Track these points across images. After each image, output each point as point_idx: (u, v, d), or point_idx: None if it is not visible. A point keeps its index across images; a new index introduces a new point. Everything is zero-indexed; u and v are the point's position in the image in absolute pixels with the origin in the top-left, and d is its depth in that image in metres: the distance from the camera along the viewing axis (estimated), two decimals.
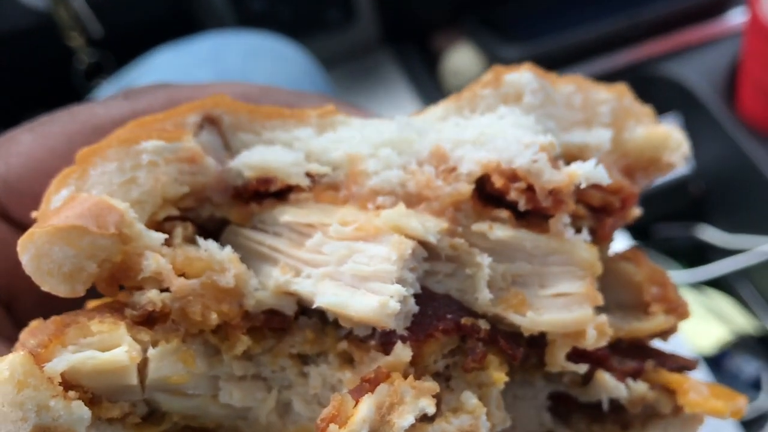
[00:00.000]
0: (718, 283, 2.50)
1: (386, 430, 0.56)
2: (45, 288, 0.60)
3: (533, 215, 0.65)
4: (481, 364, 0.63)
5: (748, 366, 2.15)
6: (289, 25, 2.57)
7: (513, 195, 0.63)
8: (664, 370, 0.72)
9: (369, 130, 0.68)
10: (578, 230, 0.67)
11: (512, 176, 0.63)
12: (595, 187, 0.66)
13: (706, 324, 2.30)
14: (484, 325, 0.64)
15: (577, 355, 0.66)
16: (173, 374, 0.61)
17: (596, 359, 0.68)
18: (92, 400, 0.58)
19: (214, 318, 0.61)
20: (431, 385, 0.59)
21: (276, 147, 0.67)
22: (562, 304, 0.64)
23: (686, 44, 2.70)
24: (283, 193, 0.67)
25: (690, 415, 0.71)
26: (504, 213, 0.65)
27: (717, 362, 2.16)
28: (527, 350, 0.67)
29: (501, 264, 0.65)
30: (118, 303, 0.63)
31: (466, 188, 0.64)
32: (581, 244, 0.65)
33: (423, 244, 0.63)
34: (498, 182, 0.63)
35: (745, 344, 2.18)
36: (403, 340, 0.61)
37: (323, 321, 0.66)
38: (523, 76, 0.69)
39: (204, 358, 0.63)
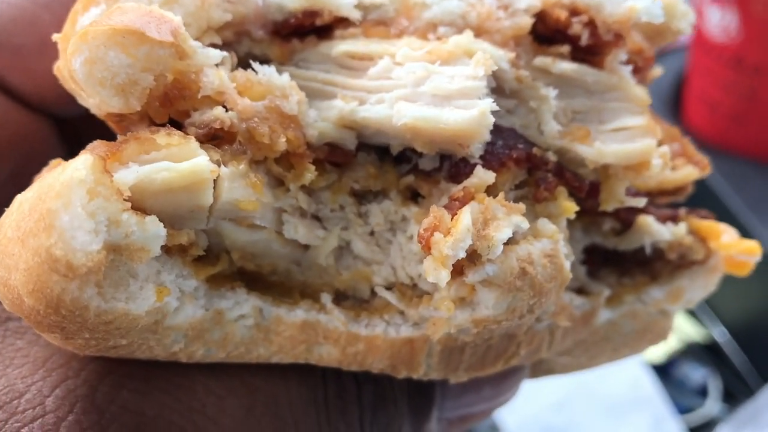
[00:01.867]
0: None
1: (483, 245, 0.54)
2: (94, 99, 0.53)
3: (587, 54, 0.66)
4: (552, 193, 0.63)
5: (695, 373, 2.15)
6: None
7: (575, 29, 0.63)
8: (694, 216, 0.74)
9: None
10: None
11: (574, 10, 0.64)
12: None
13: None
14: (552, 157, 0.64)
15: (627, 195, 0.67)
16: (244, 198, 0.55)
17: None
18: None
19: (282, 142, 0.57)
20: (520, 206, 0.57)
21: None
22: (625, 137, 0.64)
23: None
24: (325, 30, 0.64)
25: (713, 264, 0.74)
26: (564, 48, 0.65)
27: (665, 370, 2.14)
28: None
29: (562, 100, 0.65)
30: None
31: (527, 21, 0.63)
32: (634, 82, 0.66)
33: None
34: (561, 15, 0.63)
35: (692, 352, 2.18)
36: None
37: (381, 158, 0.64)
38: None
39: (269, 189, 0.59)
